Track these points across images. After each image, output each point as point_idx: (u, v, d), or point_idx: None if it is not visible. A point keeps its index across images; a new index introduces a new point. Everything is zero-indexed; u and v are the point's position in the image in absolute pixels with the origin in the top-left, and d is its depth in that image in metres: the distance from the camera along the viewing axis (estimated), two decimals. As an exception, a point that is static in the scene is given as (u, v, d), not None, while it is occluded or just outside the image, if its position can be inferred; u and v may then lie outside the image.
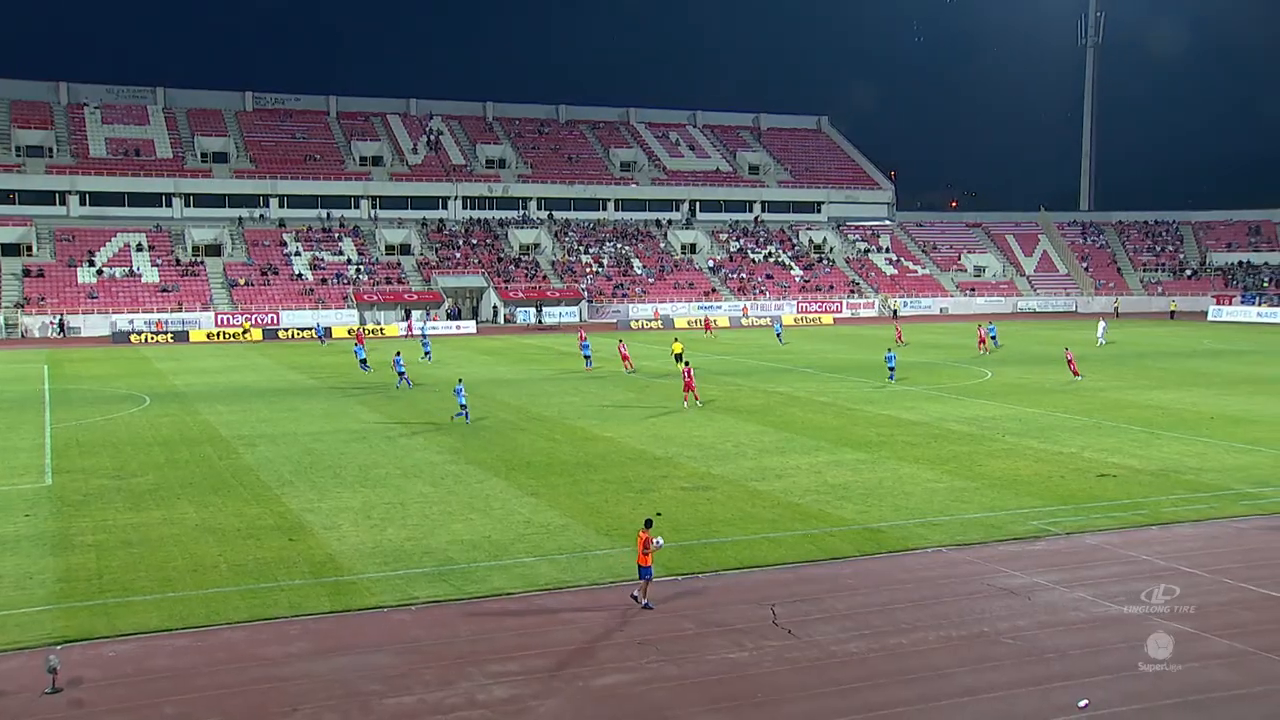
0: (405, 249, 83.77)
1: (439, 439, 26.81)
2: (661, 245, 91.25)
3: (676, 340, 41.75)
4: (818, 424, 27.17)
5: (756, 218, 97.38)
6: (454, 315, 76.76)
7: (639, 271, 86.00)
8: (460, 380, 30.24)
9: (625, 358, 39.53)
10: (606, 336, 60.14)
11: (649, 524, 13.91)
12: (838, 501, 18.87)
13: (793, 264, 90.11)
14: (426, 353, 46.70)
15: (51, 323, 64.12)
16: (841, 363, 42.40)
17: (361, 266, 79.26)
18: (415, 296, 76.11)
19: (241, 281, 74.24)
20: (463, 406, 28.19)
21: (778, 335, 50.58)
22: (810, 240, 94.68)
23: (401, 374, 36.20)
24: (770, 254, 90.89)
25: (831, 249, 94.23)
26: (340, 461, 23.91)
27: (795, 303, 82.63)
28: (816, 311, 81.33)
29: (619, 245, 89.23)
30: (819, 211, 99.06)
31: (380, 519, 18.74)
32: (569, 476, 21.75)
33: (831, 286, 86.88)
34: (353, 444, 26.10)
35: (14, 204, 75.78)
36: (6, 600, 14.30)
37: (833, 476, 20.97)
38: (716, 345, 53.55)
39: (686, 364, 32.53)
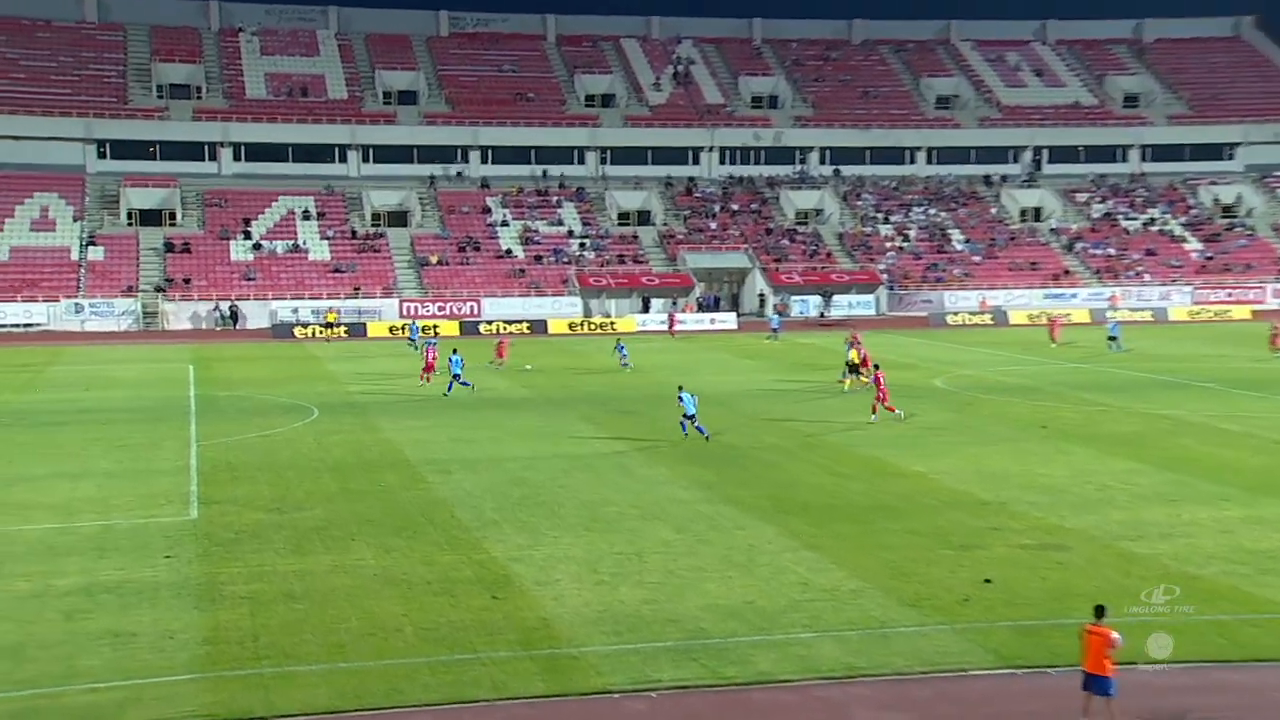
0: (644, 217, 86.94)
1: (688, 469, 27.98)
2: (993, 210, 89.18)
3: (855, 344, 41.75)
4: (1225, 462, 26.80)
5: (1136, 171, 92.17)
6: (708, 305, 78.25)
7: (960, 246, 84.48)
8: (681, 388, 32.39)
9: (870, 370, 39.00)
10: (891, 335, 59.71)
11: (1100, 613, 13.19)
12: (1260, 576, 18.32)
13: (1188, 234, 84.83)
14: (624, 361, 48.10)
15: (211, 310, 72.54)
16: (1259, 376, 42.04)
17: (587, 240, 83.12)
18: (657, 281, 78.64)
19: (433, 259, 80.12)
20: (688, 417, 30.73)
21: (1112, 340, 47.46)
22: (1216, 199, 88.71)
23: (456, 376, 40.73)
24: (1153, 220, 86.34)
25: (1249, 211, 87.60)
26: (559, 496, 25.12)
27: (1190, 289, 77.90)
28: (1223, 301, 76.26)
29: (932, 211, 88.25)
30: (1230, 158, 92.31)
31: (610, 574, 19.42)
32: (861, 524, 22.31)
33: (1249, 266, 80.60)
34: (575, 473, 27.53)
35: (154, 159, 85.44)
36: (142, 665, 15.33)
37: (1251, 539, 20.44)
38: (1071, 352, 52.69)
39: (877, 367, 35.11)
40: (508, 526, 22.49)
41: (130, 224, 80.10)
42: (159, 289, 74.04)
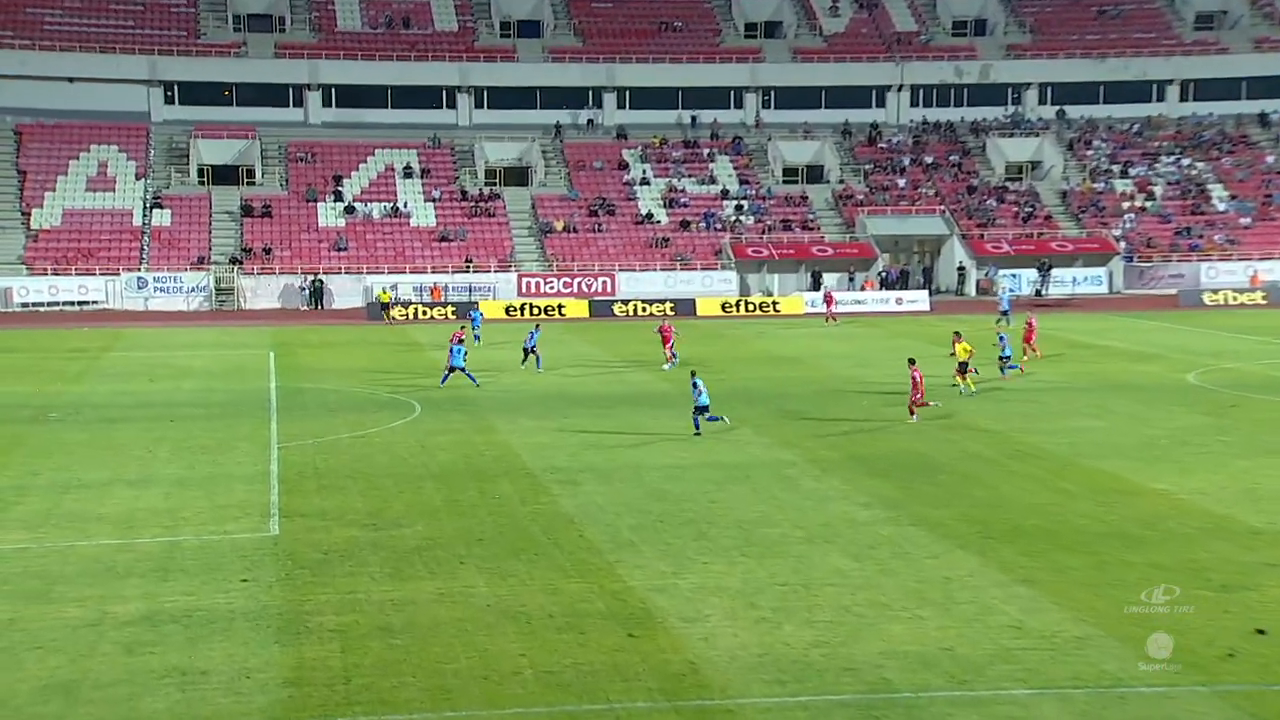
0: (815, 173, 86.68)
1: (867, 482, 28.08)
2: (1269, 159, 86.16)
3: (957, 338, 40.53)
4: None
5: None
6: (892, 281, 77.33)
7: (1222, 206, 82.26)
8: (695, 374, 34.66)
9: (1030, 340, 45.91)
10: (1128, 319, 57.55)
11: None
12: None
13: None
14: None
15: (295, 286, 74.97)
16: None
17: (745, 202, 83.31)
18: (830, 251, 78.29)
19: (559, 226, 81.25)
20: (700, 409, 33.27)
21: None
22: None
23: (458, 369, 42.04)
24: None
25: None
26: (709, 512, 25.40)
27: None
28: None
29: (1186, 161, 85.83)
30: None
31: (772, 609, 19.45)
32: (1089, 555, 22.07)
33: None
34: (729, 485, 27.84)
35: (230, 104, 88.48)
36: (213, 710, 15.72)
37: None
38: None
39: (912, 362, 36.02)
40: (647, 550, 22.70)
41: (201, 183, 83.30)
42: (234, 261, 76.73)
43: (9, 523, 24.74)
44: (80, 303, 72.59)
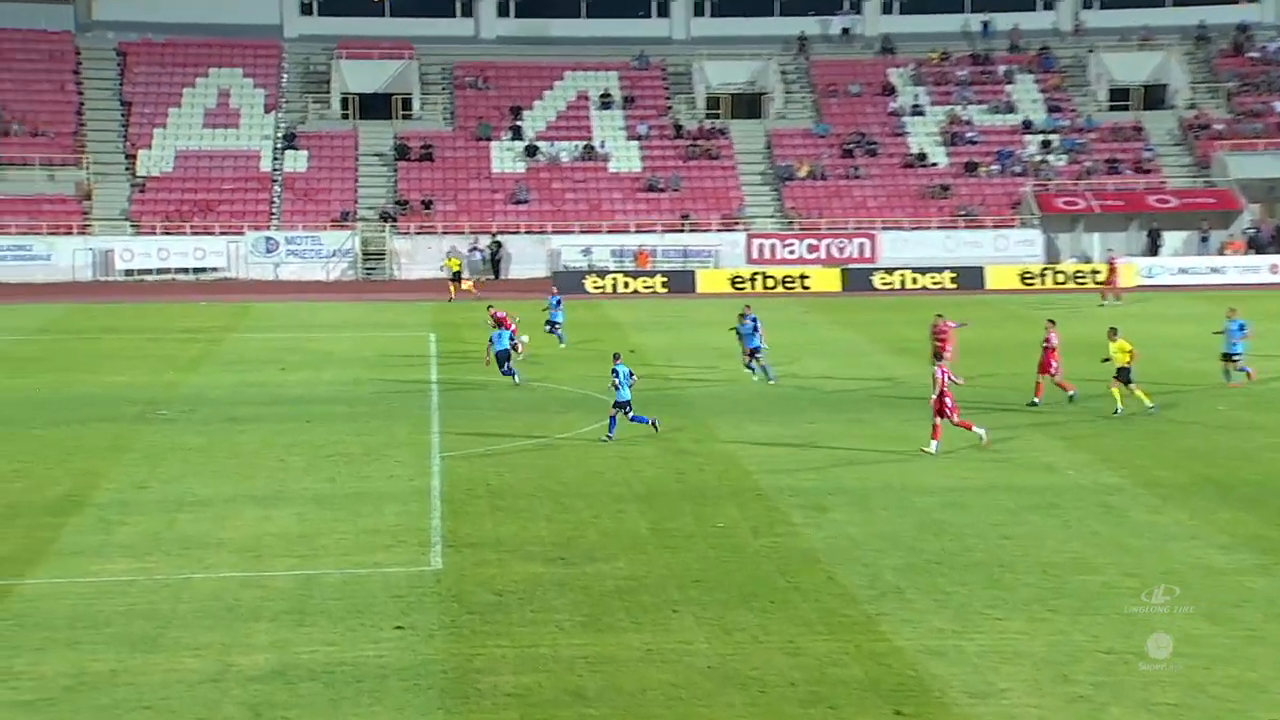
0: (1154, 96, 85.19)
1: (1226, 514, 27.70)
2: None
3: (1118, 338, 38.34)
4: None
5: None
6: (1264, 242, 74.48)
7: None
8: (618, 357, 35.85)
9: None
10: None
11: None
12: None
13: None
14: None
15: (466, 250, 76.71)
16: None
17: (1055, 137, 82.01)
18: (1176, 202, 76.30)
19: (801, 170, 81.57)
20: (621, 406, 34.38)
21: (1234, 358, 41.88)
22: None
23: (504, 357, 42.99)
24: None
25: None
26: (1002, 552, 25.30)
27: None
28: None
29: None
30: None
31: (1093, 685, 19.13)
32: None
33: None
34: (1029, 515, 27.76)
35: (382, 14, 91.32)
36: None
37: None
38: None
39: (939, 356, 35.47)
40: (919, 599, 22.59)
41: (345, 116, 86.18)
42: (386, 217, 79.06)
43: (112, 549, 25.92)
44: (196, 270, 75.81)
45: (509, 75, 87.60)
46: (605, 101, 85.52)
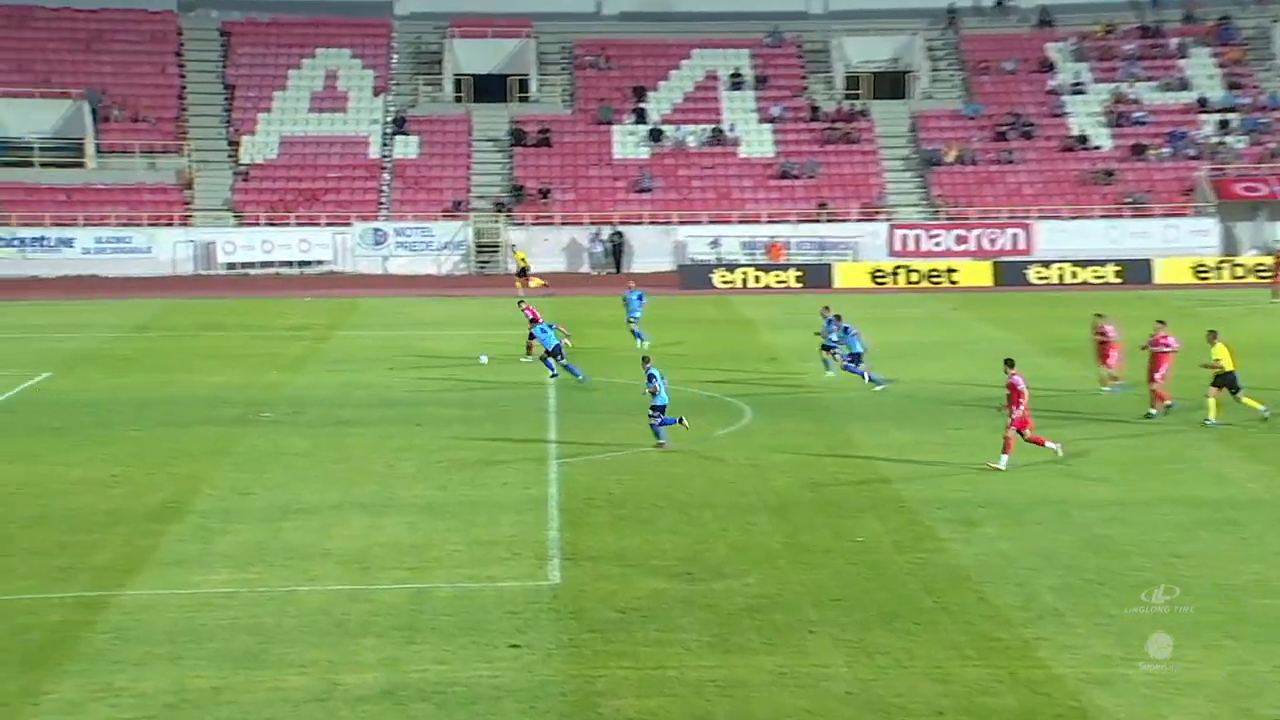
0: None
1: None
2: None
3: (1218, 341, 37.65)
4: None
5: None
6: None
7: None
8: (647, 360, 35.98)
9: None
10: None
11: None
12: None
13: None
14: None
15: (588, 241, 77.52)
16: None
17: (1234, 116, 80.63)
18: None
19: (950, 155, 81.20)
20: (658, 410, 34.74)
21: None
22: None
23: (553, 355, 44.06)
24: None
25: None
26: (1174, 571, 24.95)
27: None
28: None
29: None
30: None
31: None
32: None
33: None
34: (1203, 531, 27.48)
35: None
36: None
37: None
38: None
39: (1010, 364, 33.76)
40: (1080, 622, 22.34)
41: (459, 99, 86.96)
42: (501, 207, 79.54)
43: (213, 559, 26.35)
44: (300, 263, 76.93)
45: (632, 54, 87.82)
46: (735, 81, 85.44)
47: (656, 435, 34.84)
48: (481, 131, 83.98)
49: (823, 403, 40.53)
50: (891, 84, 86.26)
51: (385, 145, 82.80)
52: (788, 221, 76.64)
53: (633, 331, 50.58)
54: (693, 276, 71.01)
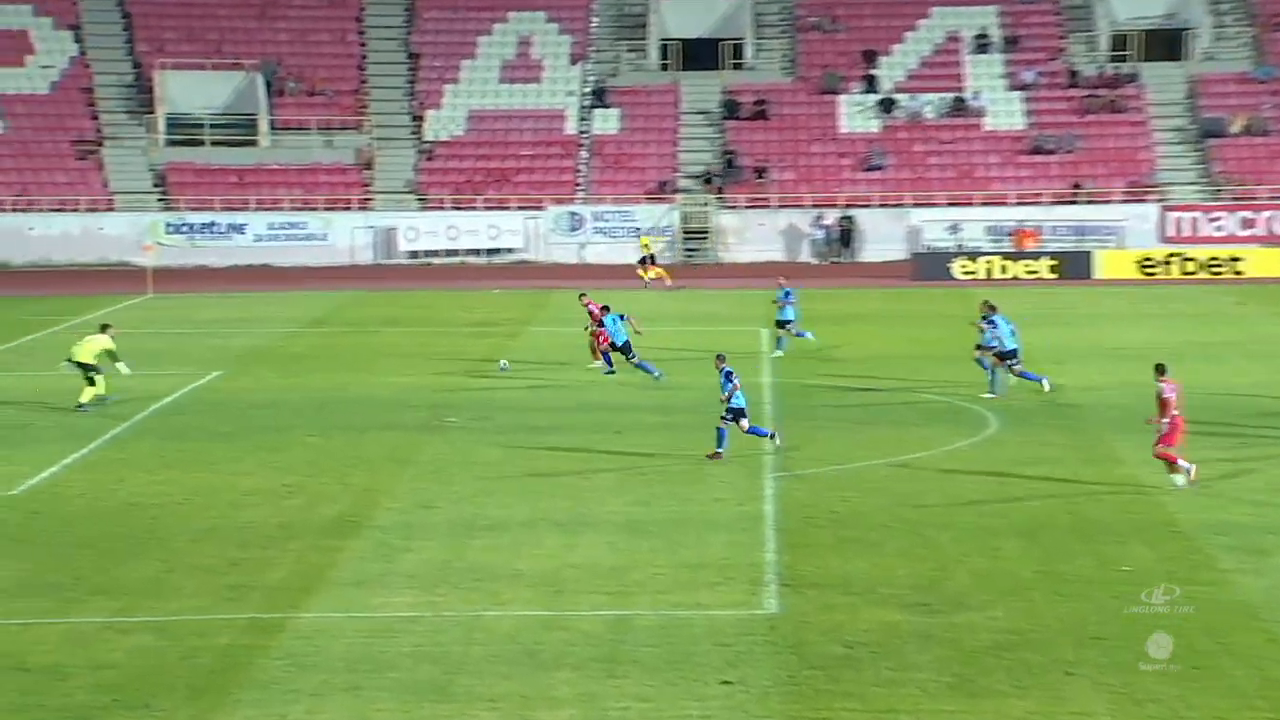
0: None
1: None
2: None
3: None
4: None
5: None
6: None
7: None
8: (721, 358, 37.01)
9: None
10: None
11: None
12: None
13: None
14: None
15: (810, 225, 77.56)
16: None
17: None
18: None
19: (1234, 126, 79.79)
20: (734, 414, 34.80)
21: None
22: None
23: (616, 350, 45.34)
24: None
25: None
26: None
27: None
28: None
29: None
30: None
31: None
32: None
33: None
34: None
35: None
36: None
37: None
38: None
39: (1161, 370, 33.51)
40: None
41: (665, 67, 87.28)
42: (710, 180, 79.61)
43: (394, 579, 26.82)
44: (489, 251, 77.82)
45: (862, 13, 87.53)
46: (981, 43, 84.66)
47: (718, 440, 35.02)
48: (690, 103, 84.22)
49: (1080, 410, 40.10)
50: (1166, 43, 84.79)
51: (583, 119, 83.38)
52: (1040, 203, 75.86)
53: (793, 332, 50.42)
54: (928, 266, 70.46)
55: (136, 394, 43.55)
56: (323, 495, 32.71)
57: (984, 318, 42.33)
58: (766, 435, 35.74)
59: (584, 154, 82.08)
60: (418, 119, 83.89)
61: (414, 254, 77.45)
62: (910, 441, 36.43)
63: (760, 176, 79.42)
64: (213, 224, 78.61)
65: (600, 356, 46.71)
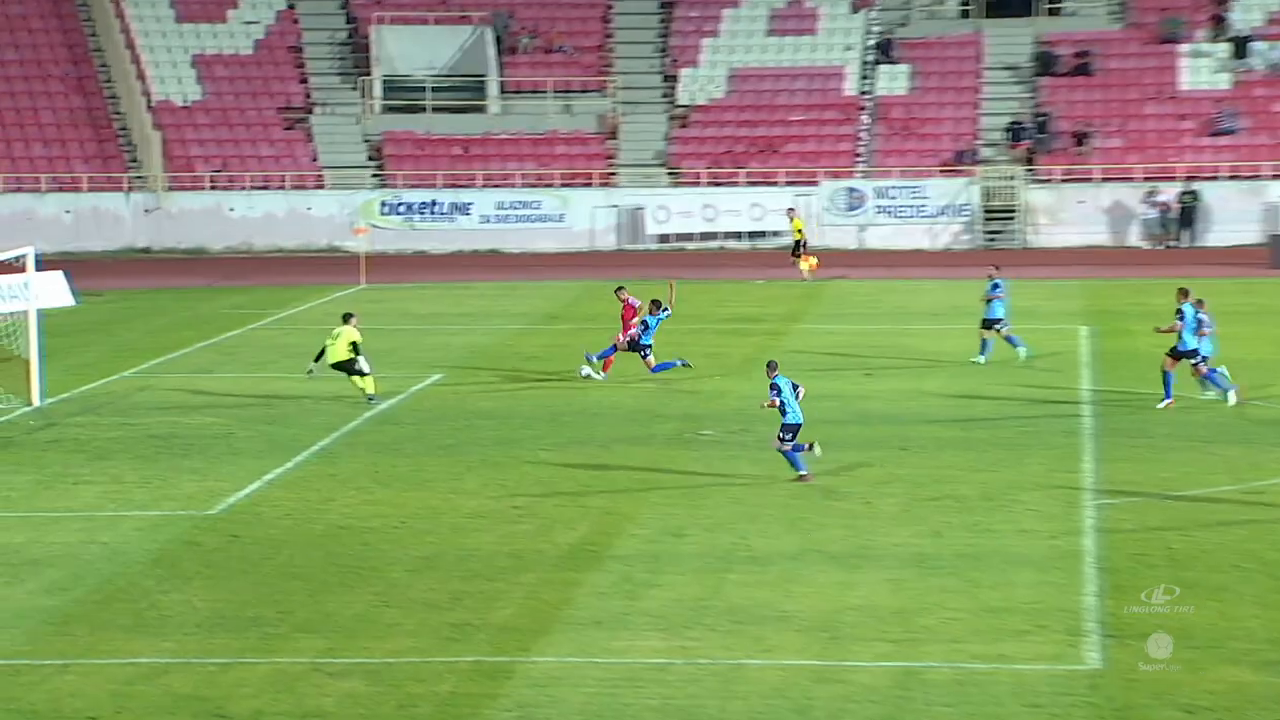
0: None
1: None
2: None
3: None
4: None
5: None
6: None
7: None
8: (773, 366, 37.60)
9: None
10: None
11: None
12: None
13: None
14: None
15: (1139, 202, 76.47)
16: None
17: None
18: None
19: None
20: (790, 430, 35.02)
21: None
22: None
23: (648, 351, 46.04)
24: None
25: None
26: None
27: None
28: None
29: None
30: None
31: None
32: None
33: None
34: None
35: None
36: None
37: None
38: None
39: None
40: None
41: (965, 13, 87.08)
42: (1018, 140, 78.80)
43: (638, 619, 26.90)
44: (752, 234, 78.19)
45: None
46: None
47: (794, 465, 35.08)
48: (996, 56, 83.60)
49: None
50: None
51: (865, 78, 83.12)
52: None
53: (1002, 334, 49.37)
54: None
55: (346, 399, 44.34)
56: (558, 520, 33.04)
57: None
58: (806, 451, 35.42)
59: (866, 119, 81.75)
60: (670, 79, 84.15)
61: (663, 238, 77.80)
62: (1268, 465, 35.81)
63: (1080, 144, 78.43)
64: (434, 203, 79.68)
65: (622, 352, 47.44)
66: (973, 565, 29.32)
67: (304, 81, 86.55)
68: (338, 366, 43.25)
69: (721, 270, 71.69)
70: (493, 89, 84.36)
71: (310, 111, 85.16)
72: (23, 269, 47.55)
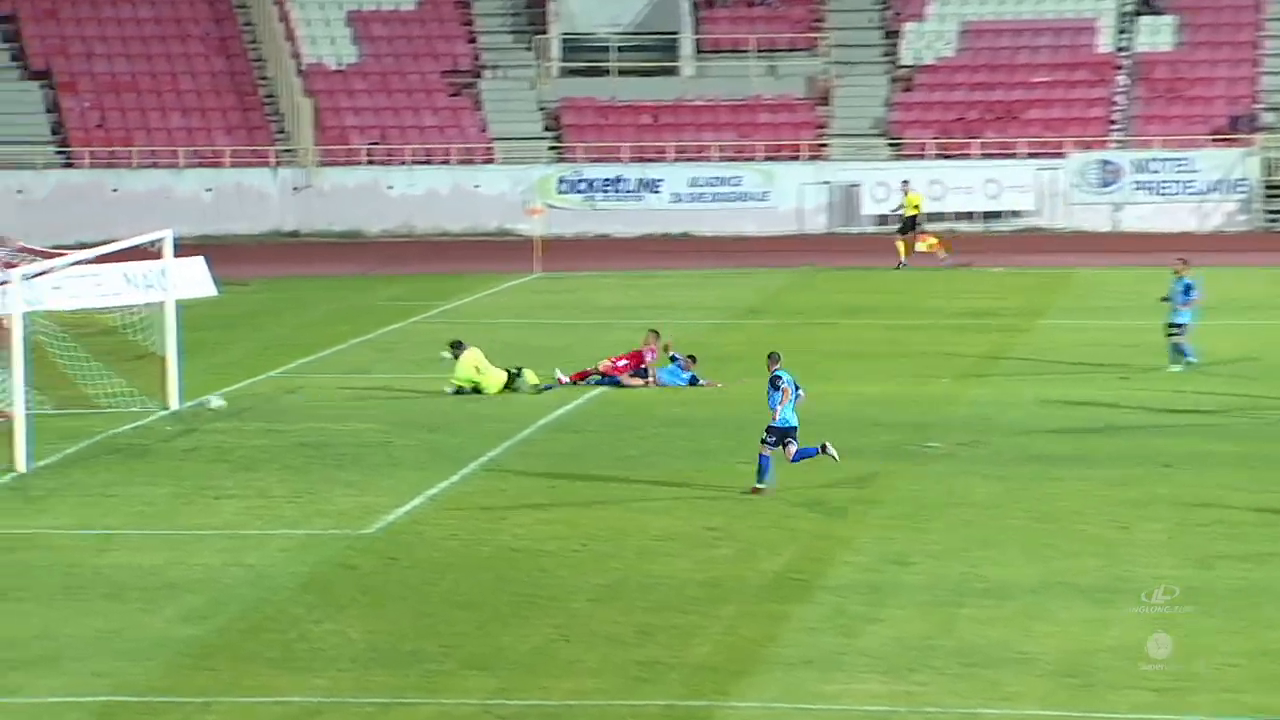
0: None
1: None
2: None
3: None
4: None
5: None
6: None
7: None
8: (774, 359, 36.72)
9: None
10: None
11: None
12: None
13: None
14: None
15: None
16: None
17: None
18: None
19: None
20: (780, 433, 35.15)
21: None
22: None
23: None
24: None
25: None
26: None
27: None
28: None
29: None
30: None
31: None
32: None
33: None
34: None
35: None
36: None
37: None
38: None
39: None
40: None
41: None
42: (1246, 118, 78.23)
43: (856, 659, 26.46)
44: (987, 215, 78.01)
45: None
46: None
47: (761, 472, 35.71)
48: (1279, 5, 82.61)
49: None
50: None
51: (1123, 32, 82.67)
52: None
53: (1174, 344, 49.24)
54: None
55: (515, 404, 44.40)
56: (759, 543, 32.90)
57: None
58: (816, 455, 35.59)
59: (1123, 80, 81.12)
60: (892, 36, 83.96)
61: (882, 218, 77.34)
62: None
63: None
64: (619, 180, 79.86)
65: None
66: (1251, 602, 28.75)
67: (472, 41, 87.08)
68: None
69: (954, 255, 71.09)
70: (686, 48, 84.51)
71: (479, 75, 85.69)
72: (159, 255, 47.98)
